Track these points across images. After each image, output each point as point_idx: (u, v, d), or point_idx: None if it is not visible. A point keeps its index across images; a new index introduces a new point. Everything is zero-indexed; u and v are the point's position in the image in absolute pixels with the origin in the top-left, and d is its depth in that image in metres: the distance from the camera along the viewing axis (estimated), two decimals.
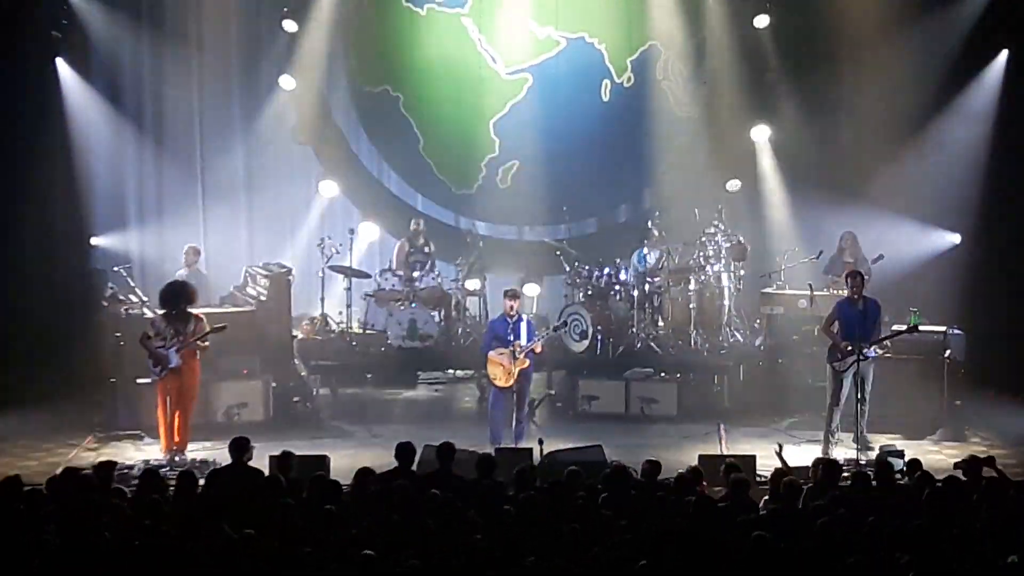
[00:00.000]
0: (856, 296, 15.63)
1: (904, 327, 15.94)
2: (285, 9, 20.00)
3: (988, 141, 19.45)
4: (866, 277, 16.44)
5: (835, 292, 17.52)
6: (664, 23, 20.44)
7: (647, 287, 18.75)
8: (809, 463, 13.10)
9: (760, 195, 20.43)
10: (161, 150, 19.89)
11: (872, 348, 15.46)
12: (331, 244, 19.28)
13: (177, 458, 15.17)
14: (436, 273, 19.46)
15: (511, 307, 15.86)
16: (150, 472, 12.25)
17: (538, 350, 15.94)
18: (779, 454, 13.13)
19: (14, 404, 17.38)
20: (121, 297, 17.54)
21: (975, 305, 18.93)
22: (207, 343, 15.62)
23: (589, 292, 19.00)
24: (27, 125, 19.03)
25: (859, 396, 15.42)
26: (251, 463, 12.38)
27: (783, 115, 20.17)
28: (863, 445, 15.23)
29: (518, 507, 10.64)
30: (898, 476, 13.64)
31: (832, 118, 20.12)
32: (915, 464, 12.42)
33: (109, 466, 12.22)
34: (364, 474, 11.78)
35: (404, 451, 12.37)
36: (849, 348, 15.33)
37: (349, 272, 19.31)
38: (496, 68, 20.62)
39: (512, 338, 15.69)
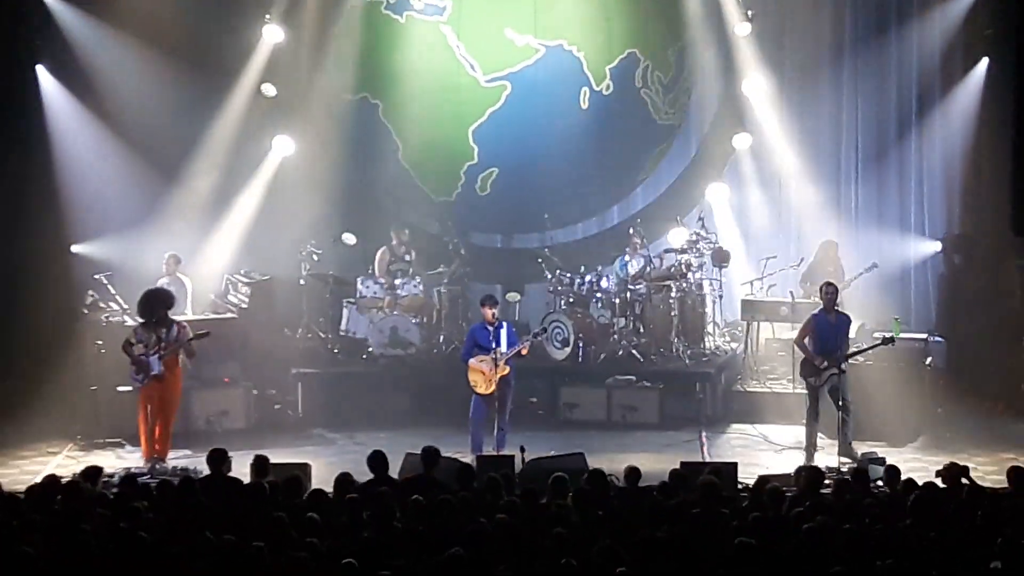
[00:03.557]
0: (830, 308, 15.65)
1: (882, 337, 15.97)
2: (267, 16, 19.95)
3: (969, 149, 19.52)
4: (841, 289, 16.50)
5: (816, 300, 17.56)
6: (643, 31, 20.42)
7: (629, 294, 18.75)
8: (791, 471, 13.13)
9: (742, 202, 20.46)
10: (141, 158, 19.79)
11: (847, 361, 15.51)
12: (312, 251, 19.29)
13: (158, 466, 15.15)
14: (417, 281, 19.43)
15: (491, 315, 15.81)
16: (131, 479, 12.20)
17: (524, 352, 15.86)
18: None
19: None
20: (102, 305, 17.53)
21: (955, 313, 19.00)
22: (194, 353, 15.60)
23: (571, 300, 18.99)
24: (6, 132, 18.96)
25: (840, 408, 15.43)
26: (232, 472, 12.36)
27: (764, 123, 20.20)
28: (848, 456, 15.25)
29: (497, 515, 10.59)
30: (878, 483, 13.70)
31: (813, 126, 20.17)
32: (894, 471, 12.44)
33: (95, 472, 12.13)
34: (345, 481, 11.76)
35: (376, 460, 12.31)
36: (825, 364, 15.34)
37: (330, 280, 19.30)
38: (475, 75, 20.51)
39: (493, 345, 15.65)
